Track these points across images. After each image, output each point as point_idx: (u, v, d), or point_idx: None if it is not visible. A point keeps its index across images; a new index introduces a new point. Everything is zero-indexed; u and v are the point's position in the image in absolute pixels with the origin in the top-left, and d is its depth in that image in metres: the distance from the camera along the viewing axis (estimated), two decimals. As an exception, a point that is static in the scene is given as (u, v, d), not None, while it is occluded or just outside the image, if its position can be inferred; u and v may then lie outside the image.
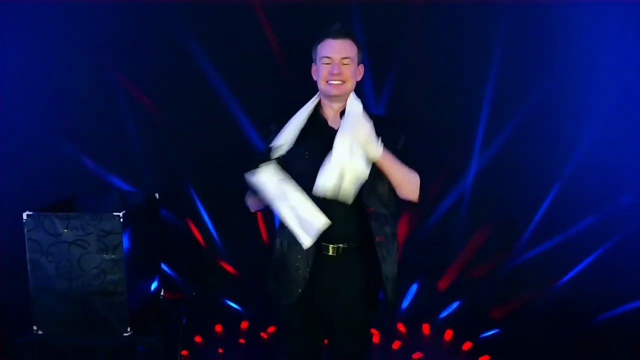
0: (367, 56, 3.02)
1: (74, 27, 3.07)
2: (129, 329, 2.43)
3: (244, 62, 3.06)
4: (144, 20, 3.05)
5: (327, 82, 1.99)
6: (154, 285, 2.85)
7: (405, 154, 2.01)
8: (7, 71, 3.11)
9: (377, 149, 1.87)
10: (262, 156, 2.06)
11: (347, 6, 2.99)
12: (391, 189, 2.00)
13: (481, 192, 3.14)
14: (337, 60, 1.98)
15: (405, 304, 3.27)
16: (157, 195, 2.87)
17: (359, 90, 3.13)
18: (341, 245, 2.00)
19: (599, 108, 3.03)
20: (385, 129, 1.97)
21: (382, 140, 1.91)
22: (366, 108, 1.96)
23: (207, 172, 3.16)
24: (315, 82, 2.06)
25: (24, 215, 2.37)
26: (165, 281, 3.05)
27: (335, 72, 1.97)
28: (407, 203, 2.05)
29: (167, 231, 3.10)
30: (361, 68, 2.07)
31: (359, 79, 2.07)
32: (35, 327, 2.44)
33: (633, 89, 3.00)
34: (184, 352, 2.87)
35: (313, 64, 2.07)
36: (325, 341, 2.21)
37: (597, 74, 3.01)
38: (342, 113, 2.00)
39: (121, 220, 2.36)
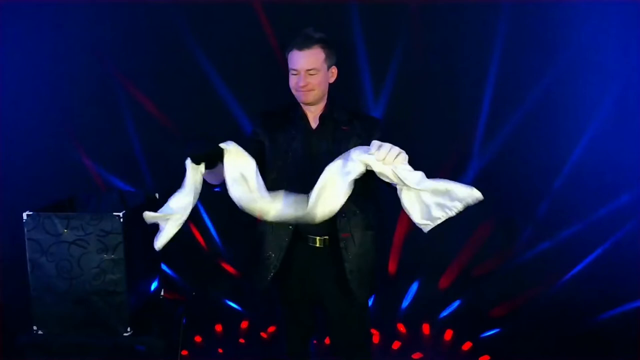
0: (367, 56, 3.05)
1: (73, 27, 3.06)
2: (129, 329, 2.43)
3: (244, 62, 3.06)
4: (144, 20, 3.05)
5: (296, 90, 2.14)
6: (154, 285, 2.85)
7: None
8: (7, 71, 3.11)
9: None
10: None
11: (347, 6, 2.99)
12: (368, 186, 2.05)
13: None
14: (302, 72, 2.10)
15: (405, 304, 3.27)
16: (157, 195, 2.87)
17: (359, 90, 3.14)
18: (327, 237, 2.16)
19: (598, 108, 3.03)
20: (360, 124, 2.17)
21: (357, 135, 2.13)
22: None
23: (207, 172, 3.16)
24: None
25: (24, 215, 2.37)
26: (165, 281, 3.05)
27: (301, 84, 2.11)
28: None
29: (167, 231, 3.09)
30: (334, 70, 2.19)
31: (331, 81, 2.20)
32: (35, 327, 2.44)
33: (632, 89, 2.99)
34: (184, 352, 2.87)
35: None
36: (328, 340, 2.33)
37: (596, 73, 3.00)
38: (322, 117, 2.18)
39: (121, 220, 2.36)
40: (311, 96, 2.13)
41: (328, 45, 2.13)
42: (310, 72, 2.10)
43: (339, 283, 2.18)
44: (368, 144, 2.12)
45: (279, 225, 2.14)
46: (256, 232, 2.24)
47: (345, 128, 2.16)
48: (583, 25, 2.97)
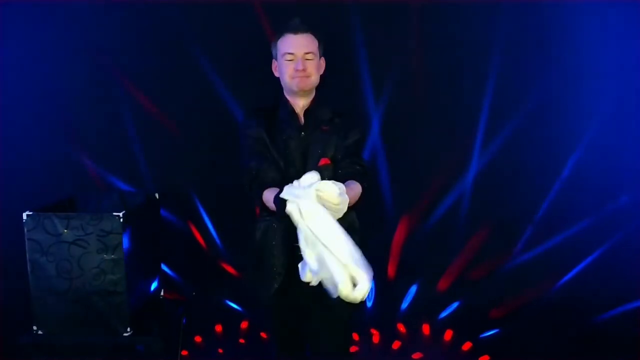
0: (367, 56, 3.05)
1: (74, 27, 3.06)
2: (129, 329, 2.43)
3: (244, 62, 3.06)
4: (144, 21, 3.05)
5: (292, 77, 2.03)
6: (154, 285, 2.85)
7: (356, 149, 2.09)
8: (7, 71, 3.11)
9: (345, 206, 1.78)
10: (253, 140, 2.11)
11: (347, 6, 2.99)
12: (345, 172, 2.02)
13: (481, 193, 3.14)
14: (300, 55, 2.02)
15: (405, 304, 3.27)
16: (157, 195, 2.87)
17: (359, 90, 3.14)
18: None
19: (598, 108, 3.03)
20: (340, 123, 2.06)
21: (336, 134, 2.03)
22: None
23: (207, 172, 3.16)
24: (278, 78, 2.11)
25: (24, 215, 2.38)
26: (165, 281, 3.06)
27: (300, 68, 2.01)
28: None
29: (167, 231, 3.10)
30: (322, 61, 2.11)
31: (321, 72, 2.10)
32: (35, 327, 2.44)
33: (632, 89, 3.00)
34: (184, 352, 2.87)
35: (273, 60, 2.11)
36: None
37: (596, 74, 3.00)
38: (307, 111, 2.08)
39: (121, 220, 2.37)
40: (309, 82, 2.04)
41: (318, 35, 2.08)
42: (307, 56, 2.02)
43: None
44: (344, 143, 2.06)
45: (284, 225, 1.98)
46: (256, 233, 2.11)
47: (325, 128, 2.07)
48: (583, 25, 2.97)
